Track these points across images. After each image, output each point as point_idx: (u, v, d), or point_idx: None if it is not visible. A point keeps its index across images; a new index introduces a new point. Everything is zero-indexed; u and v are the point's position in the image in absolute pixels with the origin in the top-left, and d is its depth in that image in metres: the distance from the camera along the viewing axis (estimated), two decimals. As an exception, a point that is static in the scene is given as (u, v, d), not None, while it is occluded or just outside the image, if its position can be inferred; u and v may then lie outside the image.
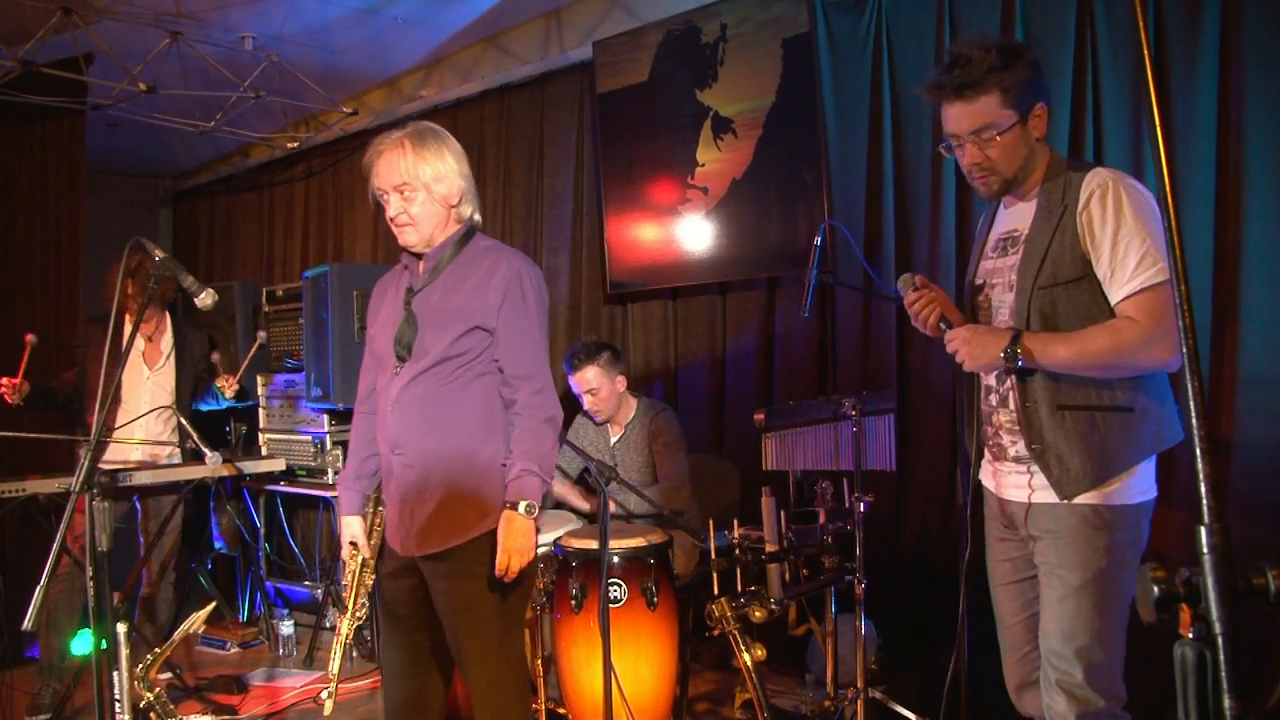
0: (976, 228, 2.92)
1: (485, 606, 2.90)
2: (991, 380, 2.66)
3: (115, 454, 4.96)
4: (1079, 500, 2.46)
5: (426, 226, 2.92)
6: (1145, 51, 1.37)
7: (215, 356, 5.29)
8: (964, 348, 2.53)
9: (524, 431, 2.92)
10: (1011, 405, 2.57)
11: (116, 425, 4.87)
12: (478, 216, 3.07)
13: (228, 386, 5.11)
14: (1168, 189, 1.32)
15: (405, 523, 2.95)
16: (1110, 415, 2.45)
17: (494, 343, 2.92)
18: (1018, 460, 2.59)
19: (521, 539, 2.84)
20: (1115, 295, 2.40)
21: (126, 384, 4.99)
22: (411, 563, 2.97)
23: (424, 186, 2.88)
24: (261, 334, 5.42)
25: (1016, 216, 2.63)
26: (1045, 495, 2.51)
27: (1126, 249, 2.36)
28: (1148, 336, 2.33)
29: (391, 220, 2.93)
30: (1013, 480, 2.62)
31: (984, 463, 2.75)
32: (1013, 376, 2.54)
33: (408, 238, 2.94)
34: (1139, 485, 2.49)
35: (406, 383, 2.91)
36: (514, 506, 2.84)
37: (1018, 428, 2.56)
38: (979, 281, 2.73)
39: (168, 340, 5.13)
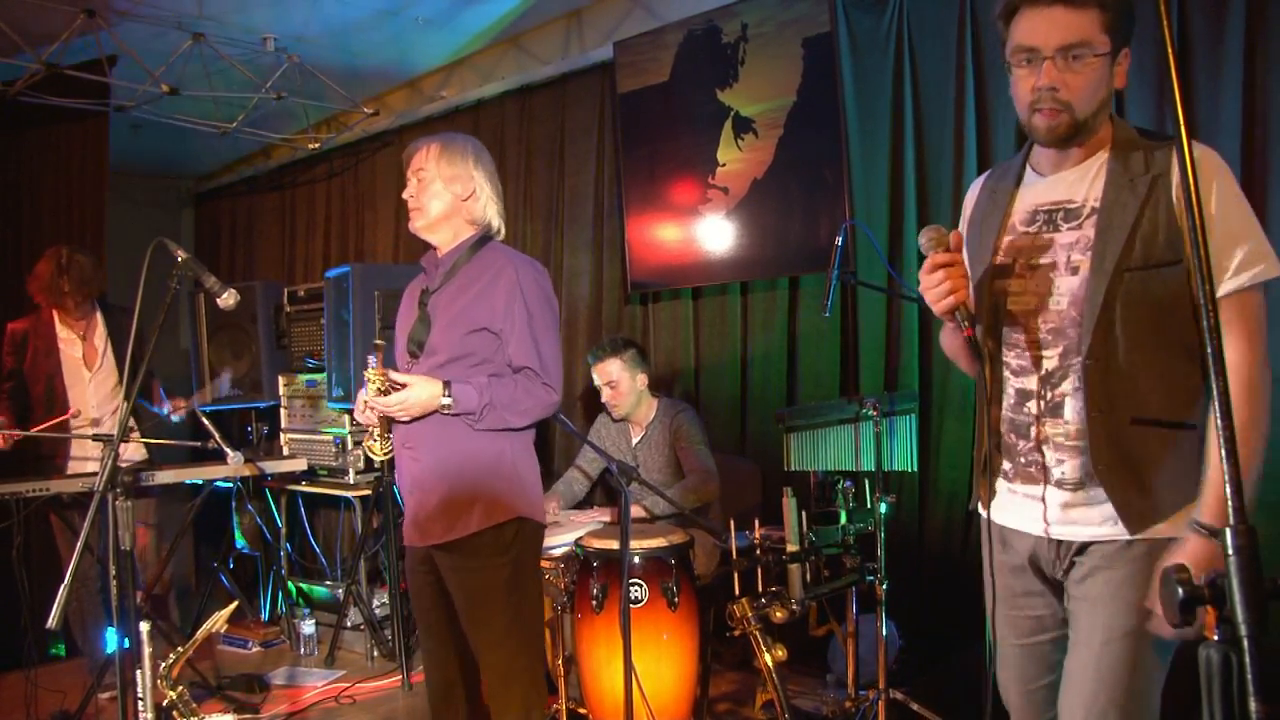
0: (966, 200, 2.47)
1: (495, 596, 3.03)
2: (1031, 382, 2.17)
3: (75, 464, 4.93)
4: (1148, 534, 2.03)
5: (432, 213, 3.13)
6: (1170, 50, 1.36)
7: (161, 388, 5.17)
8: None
9: (511, 383, 3.04)
10: (1067, 415, 2.10)
11: (72, 432, 4.83)
12: (499, 224, 3.25)
13: (174, 411, 5.07)
14: (1193, 188, 1.31)
15: (415, 514, 3.12)
16: (1179, 435, 2.05)
17: (502, 345, 3.06)
18: (1063, 485, 2.11)
19: (416, 397, 2.95)
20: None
21: (70, 391, 4.93)
22: (428, 555, 3.13)
23: (438, 177, 3.11)
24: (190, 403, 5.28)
25: (1066, 185, 2.15)
26: (1104, 530, 2.06)
27: (1227, 236, 1.98)
28: (1262, 360, 2.02)
29: (407, 202, 3.17)
30: (1054, 515, 2.13)
31: (1003, 490, 2.25)
32: (1077, 374, 2.07)
33: (414, 221, 3.17)
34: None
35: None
36: (446, 386, 2.95)
37: (1073, 442, 2.09)
38: (1005, 260, 2.22)
39: (101, 335, 5.06)
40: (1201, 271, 1.29)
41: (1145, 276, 2.01)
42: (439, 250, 3.20)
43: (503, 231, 3.27)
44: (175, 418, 5.10)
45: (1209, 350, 1.27)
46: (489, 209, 3.20)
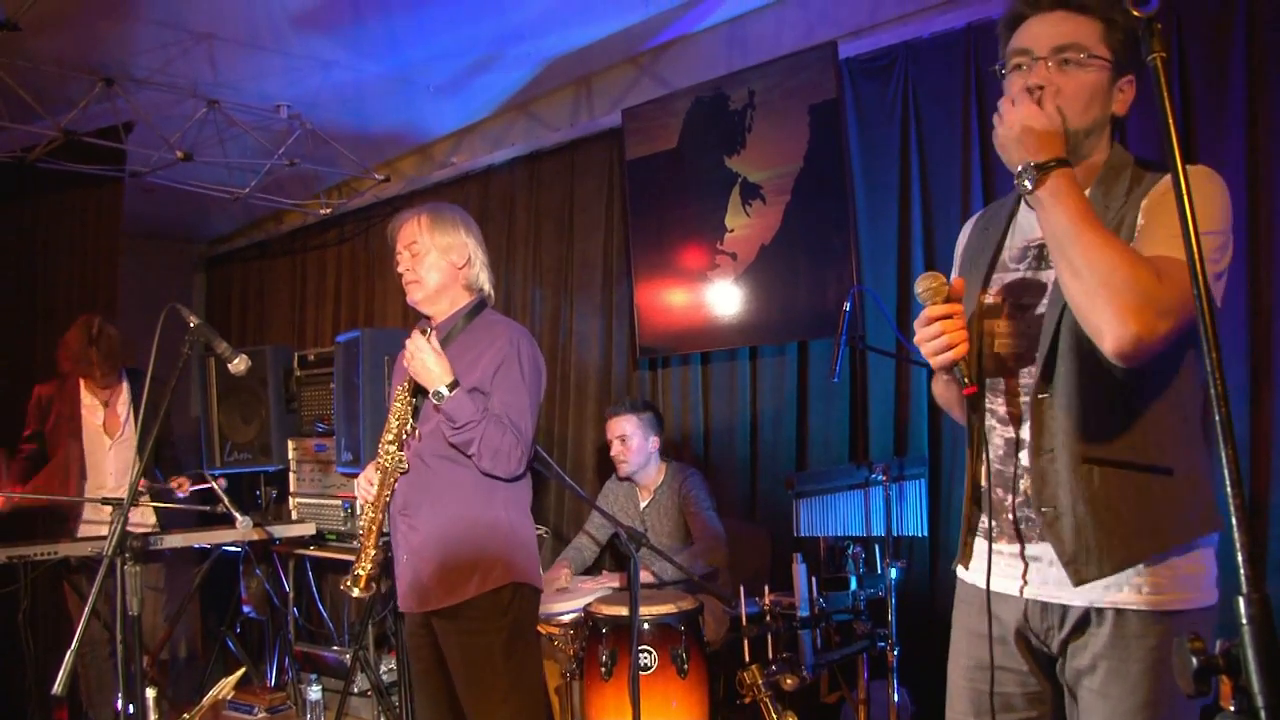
0: (959, 238, 2.39)
1: (493, 660, 3.05)
2: (1022, 430, 1.99)
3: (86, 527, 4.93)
4: (1155, 606, 1.85)
5: (431, 284, 3.19)
6: (1170, 120, 1.37)
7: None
8: (1003, 126, 1.89)
9: (505, 429, 3.06)
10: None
11: (87, 498, 4.85)
12: (489, 289, 3.33)
13: (179, 488, 5.08)
14: (1196, 252, 1.32)
15: (411, 581, 3.14)
16: (1149, 478, 1.86)
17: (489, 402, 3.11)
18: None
19: (431, 360, 3.01)
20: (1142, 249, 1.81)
21: (89, 458, 4.96)
22: (426, 620, 3.15)
23: (433, 247, 3.18)
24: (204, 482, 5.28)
25: None
26: (1109, 595, 1.88)
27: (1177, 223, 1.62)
28: (1155, 296, 1.71)
29: (401, 277, 3.22)
30: (1051, 575, 1.95)
31: (997, 551, 2.05)
32: (1026, 419, 1.95)
33: (413, 294, 3.22)
34: (1206, 582, 1.90)
35: (414, 447, 3.15)
36: (453, 385, 3.00)
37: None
38: (995, 300, 2.07)
39: (124, 403, 5.11)
40: (1207, 338, 1.29)
41: None
42: (434, 319, 3.27)
43: (492, 295, 3.36)
44: (181, 494, 5.10)
45: (1217, 417, 1.27)
46: (482, 275, 3.30)
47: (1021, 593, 1.99)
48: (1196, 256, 1.30)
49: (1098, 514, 1.86)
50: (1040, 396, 1.92)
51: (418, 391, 3.16)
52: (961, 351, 1.94)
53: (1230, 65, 3.62)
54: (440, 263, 3.20)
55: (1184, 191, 1.34)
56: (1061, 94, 1.92)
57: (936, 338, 1.94)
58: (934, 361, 1.97)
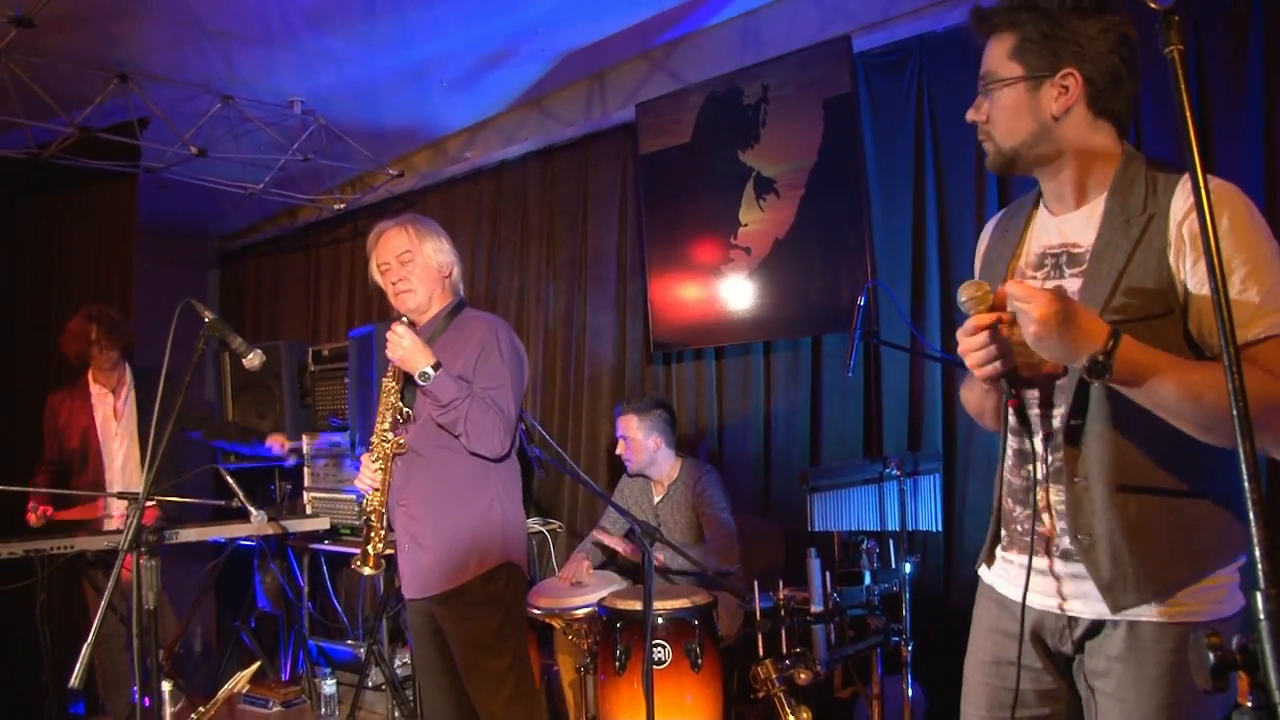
0: (979, 241, 2.31)
1: (489, 643, 3.19)
2: (1036, 444, 1.97)
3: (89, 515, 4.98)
4: (1173, 618, 1.82)
5: (423, 291, 3.33)
6: (1188, 116, 1.37)
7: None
8: (1038, 326, 1.71)
9: (487, 407, 3.19)
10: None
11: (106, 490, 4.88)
12: (462, 291, 3.50)
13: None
14: (1214, 249, 1.31)
15: (410, 567, 3.29)
16: (1182, 504, 1.84)
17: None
18: (1069, 557, 1.93)
19: (412, 346, 3.13)
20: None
21: (103, 447, 4.98)
22: (426, 607, 3.28)
23: (422, 254, 3.32)
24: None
25: (1072, 227, 1.96)
26: (1126, 611, 1.86)
27: (1247, 279, 1.73)
28: None
29: (393, 286, 3.33)
30: (1069, 588, 1.94)
31: (1007, 560, 2.10)
32: (1059, 442, 1.91)
33: (406, 303, 3.33)
34: (1229, 595, 1.86)
35: (409, 439, 3.28)
36: (436, 366, 3.12)
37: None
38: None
39: (127, 394, 5.13)
40: (1226, 336, 1.28)
41: (1133, 329, 1.74)
42: (417, 322, 3.37)
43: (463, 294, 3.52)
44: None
45: (1235, 412, 1.26)
46: (460, 281, 3.47)
47: (1058, 607, 1.97)
48: (1219, 269, 1.30)
49: (1133, 542, 1.83)
50: (1073, 423, 1.89)
51: (405, 381, 3.26)
52: (1010, 363, 1.88)
53: (1248, 55, 3.60)
54: (429, 269, 3.34)
55: (1202, 187, 1.33)
56: (991, 120, 2.00)
57: (984, 348, 1.86)
58: (980, 373, 1.90)
